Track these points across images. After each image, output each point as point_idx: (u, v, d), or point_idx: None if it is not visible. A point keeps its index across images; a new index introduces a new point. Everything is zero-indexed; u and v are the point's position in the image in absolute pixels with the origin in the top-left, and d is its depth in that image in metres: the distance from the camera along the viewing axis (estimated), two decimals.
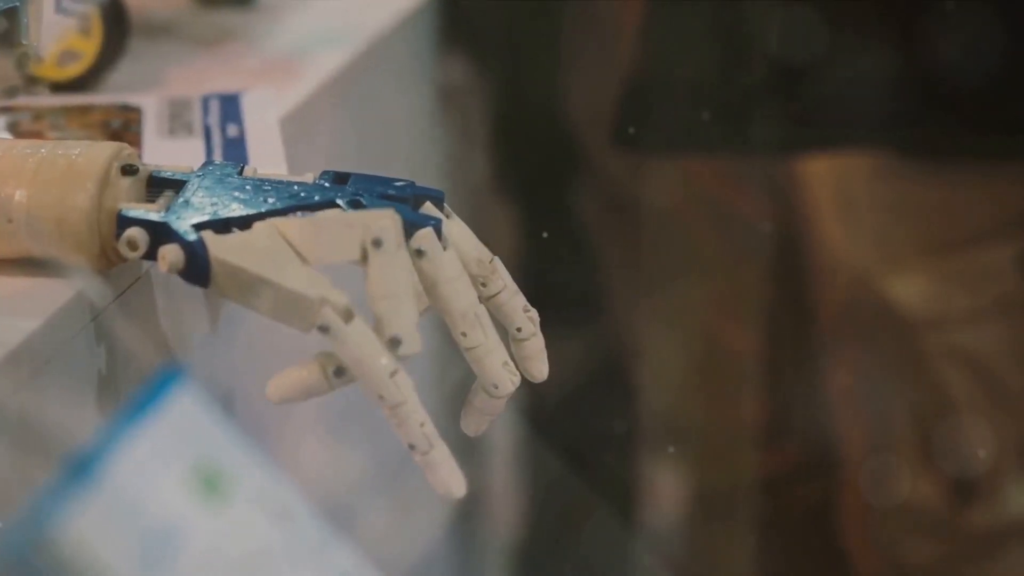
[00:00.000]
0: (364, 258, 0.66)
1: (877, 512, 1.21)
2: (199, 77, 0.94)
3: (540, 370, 0.73)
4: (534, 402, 1.22)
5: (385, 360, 0.64)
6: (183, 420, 0.49)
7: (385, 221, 0.66)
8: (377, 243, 0.65)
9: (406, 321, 0.65)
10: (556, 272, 1.24)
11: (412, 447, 0.65)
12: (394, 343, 0.65)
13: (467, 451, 1.15)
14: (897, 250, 1.16)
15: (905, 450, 1.19)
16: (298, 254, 0.66)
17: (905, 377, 1.18)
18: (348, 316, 0.64)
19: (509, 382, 0.70)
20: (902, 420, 1.19)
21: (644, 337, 1.26)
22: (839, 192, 1.17)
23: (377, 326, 0.65)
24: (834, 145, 1.16)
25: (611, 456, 1.26)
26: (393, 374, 0.64)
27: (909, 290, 1.15)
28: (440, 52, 1.22)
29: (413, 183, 0.70)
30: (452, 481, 0.65)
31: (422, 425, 0.65)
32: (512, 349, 0.71)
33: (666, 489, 1.26)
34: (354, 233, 0.65)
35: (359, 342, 0.64)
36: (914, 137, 1.13)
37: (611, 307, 1.27)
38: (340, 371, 0.65)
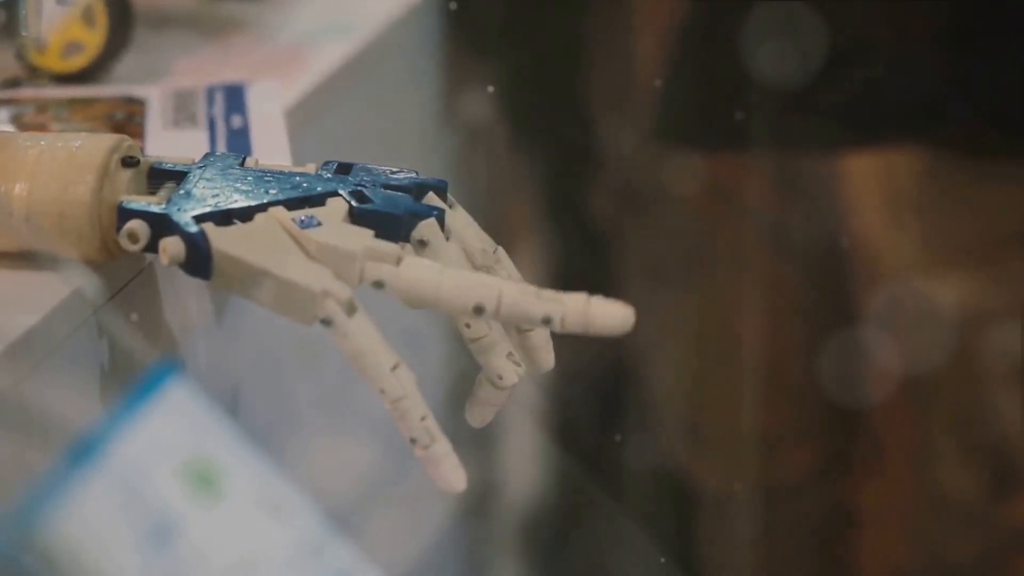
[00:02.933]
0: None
1: (916, 507, 1.21)
2: (204, 68, 0.94)
3: (546, 360, 0.72)
4: (546, 396, 1.21)
5: (386, 354, 0.63)
6: (179, 414, 0.49)
7: (383, 266, 0.65)
8: (378, 284, 0.65)
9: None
10: (569, 264, 1.23)
11: (413, 441, 0.64)
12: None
13: (474, 444, 1.14)
14: (939, 247, 1.15)
15: (945, 444, 1.18)
16: (301, 247, 0.65)
17: (945, 373, 1.17)
18: (351, 309, 0.64)
19: (514, 373, 0.69)
20: (942, 415, 1.18)
21: (665, 334, 1.25)
22: (882, 189, 1.16)
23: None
24: (878, 142, 1.15)
25: (627, 454, 1.26)
26: (394, 368, 0.64)
27: (951, 287, 1.15)
28: (449, 41, 1.21)
29: (416, 173, 0.70)
30: (453, 476, 0.65)
31: (423, 419, 0.64)
32: (517, 340, 0.71)
33: (693, 482, 1.25)
34: (355, 266, 0.65)
35: (361, 336, 0.63)
36: (957, 134, 1.13)
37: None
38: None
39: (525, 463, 1.23)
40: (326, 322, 0.63)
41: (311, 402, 0.94)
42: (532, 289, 0.63)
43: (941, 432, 1.18)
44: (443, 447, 0.65)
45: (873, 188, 1.17)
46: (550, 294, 0.63)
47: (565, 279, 1.22)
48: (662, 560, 1.23)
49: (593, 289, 0.64)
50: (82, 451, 0.48)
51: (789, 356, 1.23)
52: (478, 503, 1.22)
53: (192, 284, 0.69)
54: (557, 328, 0.63)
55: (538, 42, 1.26)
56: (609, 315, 0.63)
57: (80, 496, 0.47)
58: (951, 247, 1.15)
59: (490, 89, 1.24)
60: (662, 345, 1.24)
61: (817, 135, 1.15)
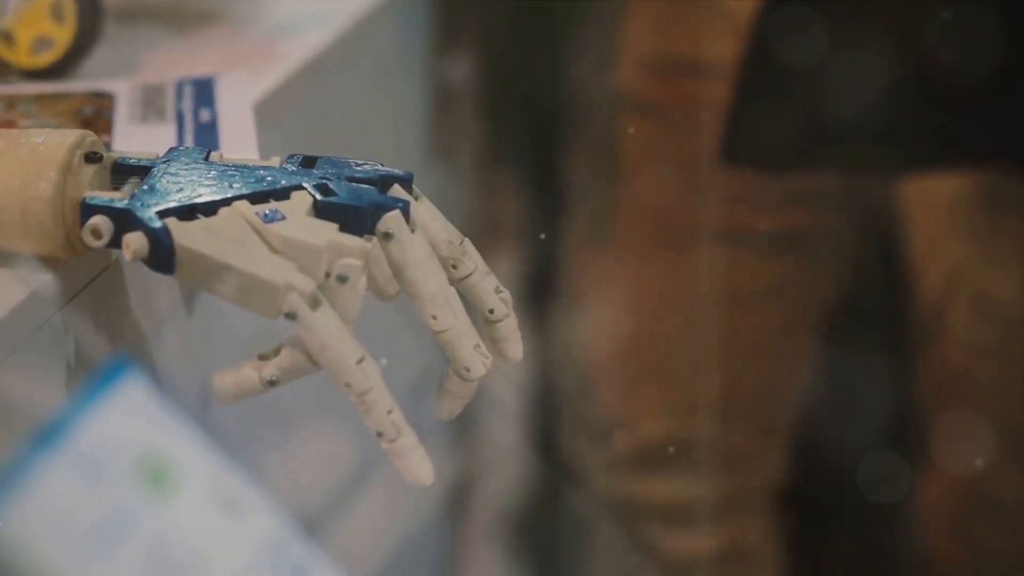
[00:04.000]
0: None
1: (963, 503, 1.21)
2: (175, 62, 0.93)
3: (515, 351, 0.72)
4: (518, 393, 1.21)
5: (351, 347, 0.63)
6: (133, 409, 0.48)
7: (351, 260, 0.65)
8: (342, 279, 0.64)
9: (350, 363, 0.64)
10: (544, 259, 1.23)
11: (380, 434, 0.64)
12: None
13: (447, 440, 1.14)
14: (991, 258, 1.15)
15: (992, 443, 1.18)
16: (264, 241, 0.65)
17: (996, 373, 1.17)
18: (315, 303, 0.63)
19: (481, 365, 0.69)
20: (990, 414, 1.18)
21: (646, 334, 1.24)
22: (940, 211, 1.17)
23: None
24: (938, 167, 1.14)
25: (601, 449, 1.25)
26: (360, 361, 0.63)
27: (1007, 288, 1.15)
28: (428, 35, 1.21)
29: (380, 165, 0.70)
30: (420, 469, 0.65)
31: (389, 412, 0.64)
32: (485, 331, 0.71)
33: (739, 472, 1.24)
34: (320, 260, 0.64)
35: (326, 329, 0.63)
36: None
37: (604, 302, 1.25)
38: (274, 382, 0.67)
39: (498, 460, 1.23)
40: (290, 316, 0.63)
41: (282, 394, 0.93)
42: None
43: (986, 432, 1.18)
44: (410, 440, 0.65)
45: (931, 210, 1.17)
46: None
47: (539, 274, 1.22)
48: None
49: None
50: (36, 447, 0.48)
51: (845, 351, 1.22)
52: (451, 500, 1.21)
53: (160, 279, 0.68)
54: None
55: (523, 33, 1.26)
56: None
57: (33, 492, 0.46)
58: (1003, 258, 1.15)
59: (474, 79, 1.24)
60: (639, 345, 1.23)
61: (876, 159, 1.14)
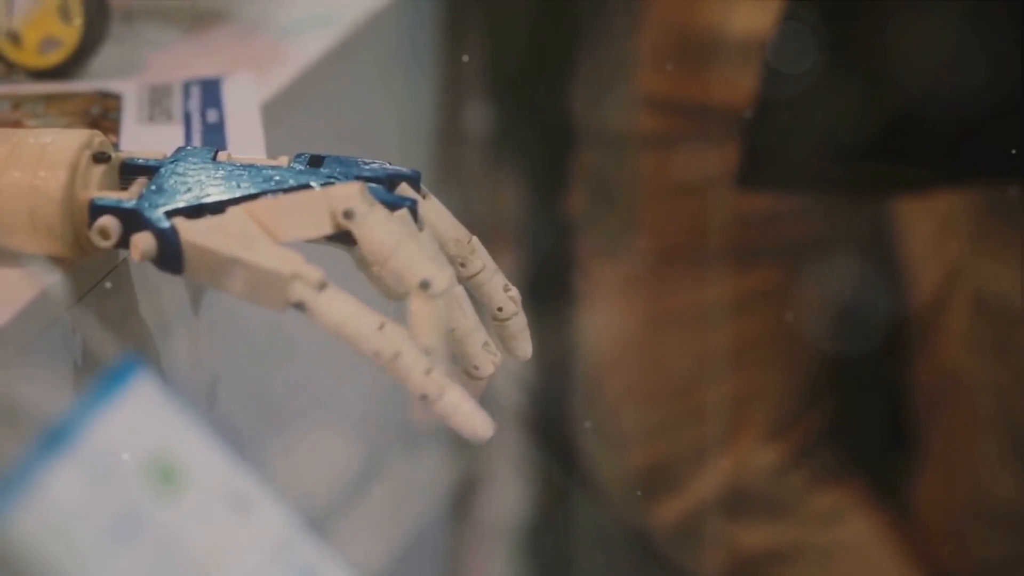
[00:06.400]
0: (340, 234, 0.65)
1: (957, 504, 1.21)
2: (182, 62, 0.93)
3: (524, 349, 0.72)
4: (524, 391, 1.20)
5: (367, 316, 0.63)
6: (143, 409, 0.48)
7: (349, 191, 0.65)
8: (348, 215, 0.64)
9: (423, 260, 0.63)
10: (547, 258, 1.23)
11: (423, 397, 0.62)
12: (425, 286, 0.63)
13: (451, 441, 1.14)
14: (994, 249, 1.15)
15: (989, 442, 1.18)
16: (270, 235, 0.65)
17: (993, 371, 1.17)
18: (322, 287, 0.63)
19: (490, 363, 0.69)
20: (987, 413, 1.18)
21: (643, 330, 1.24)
22: (937, 225, 1.17)
23: (400, 283, 0.63)
24: (937, 184, 1.15)
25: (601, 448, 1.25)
26: (381, 327, 0.62)
27: (1006, 286, 1.15)
28: (435, 34, 1.21)
29: (388, 164, 0.70)
30: (476, 422, 0.62)
31: (428, 372, 0.62)
32: (494, 329, 0.71)
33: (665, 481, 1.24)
34: (321, 206, 0.65)
35: (336, 306, 0.63)
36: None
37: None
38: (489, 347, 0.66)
39: (504, 460, 1.22)
40: (298, 305, 0.63)
41: (289, 395, 0.94)
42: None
43: (984, 432, 1.18)
44: (457, 395, 0.62)
45: (928, 210, 1.17)
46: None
47: (541, 273, 1.22)
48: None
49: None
50: (45, 447, 0.48)
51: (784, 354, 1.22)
52: (455, 500, 1.21)
53: (167, 279, 0.68)
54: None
55: (527, 34, 1.26)
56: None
57: (42, 492, 0.46)
58: (1001, 256, 1.15)
59: (481, 79, 1.24)
60: (638, 342, 1.23)
61: (884, 177, 1.15)
